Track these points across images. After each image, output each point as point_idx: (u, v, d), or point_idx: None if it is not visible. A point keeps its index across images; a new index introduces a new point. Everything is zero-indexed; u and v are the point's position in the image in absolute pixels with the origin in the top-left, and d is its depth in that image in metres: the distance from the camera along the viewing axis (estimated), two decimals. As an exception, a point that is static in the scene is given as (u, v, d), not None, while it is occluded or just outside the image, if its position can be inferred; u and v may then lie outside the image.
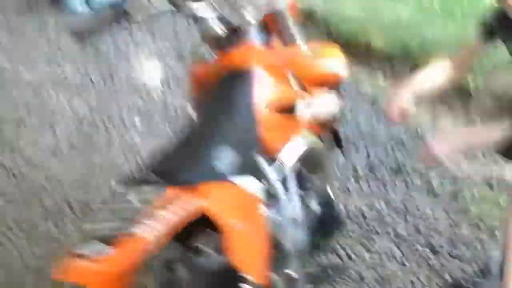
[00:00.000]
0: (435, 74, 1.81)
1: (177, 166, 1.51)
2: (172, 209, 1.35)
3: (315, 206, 2.14)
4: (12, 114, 3.60)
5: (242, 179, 1.61)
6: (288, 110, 1.90)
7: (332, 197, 2.42)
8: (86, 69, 4.06)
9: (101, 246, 1.26)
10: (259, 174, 1.80)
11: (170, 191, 1.42)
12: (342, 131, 2.36)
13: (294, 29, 2.00)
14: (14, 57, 4.27)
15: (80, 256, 1.25)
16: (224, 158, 1.57)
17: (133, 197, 1.42)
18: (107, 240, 1.27)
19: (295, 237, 1.92)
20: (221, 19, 1.85)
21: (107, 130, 3.43)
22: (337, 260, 2.47)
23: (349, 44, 3.65)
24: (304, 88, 1.96)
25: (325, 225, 2.37)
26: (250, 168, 1.71)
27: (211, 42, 1.96)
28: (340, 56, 2.06)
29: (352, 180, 2.93)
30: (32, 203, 2.87)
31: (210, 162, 1.54)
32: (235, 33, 1.88)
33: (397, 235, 2.60)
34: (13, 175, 3.10)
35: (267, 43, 2.02)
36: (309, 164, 2.09)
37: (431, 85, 1.82)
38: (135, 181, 1.47)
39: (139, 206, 1.38)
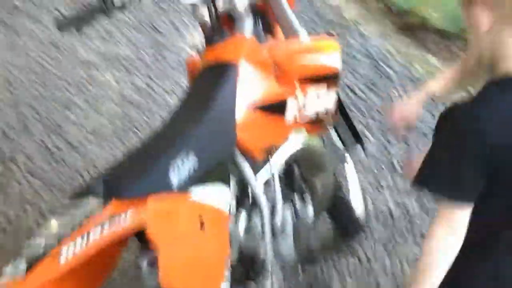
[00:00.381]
0: (442, 83, 1.63)
1: (128, 176, 1.41)
2: (107, 226, 1.28)
3: (309, 211, 1.96)
4: (62, 94, 3.64)
5: (204, 189, 1.50)
6: (276, 109, 1.75)
7: (348, 198, 2.24)
8: (140, 47, 4.04)
9: (21, 268, 1.23)
10: (235, 180, 1.68)
11: (115, 205, 1.34)
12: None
13: (292, 17, 1.83)
14: (71, 33, 4.30)
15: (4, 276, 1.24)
16: (183, 166, 1.45)
17: (74, 211, 1.36)
18: (32, 261, 1.23)
19: (280, 247, 1.78)
20: (209, 5, 1.71)
21: (149, 114, 3.41)
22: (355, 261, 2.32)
23: (405, 21, 3.39)
24: (297, 85, 1.79)
25: (338, 230, 2.23)
26: (220, 175, 1.59)
27: (204, 31, 1.85)
28: (337, 50, 1.85)
29: (387, 175, 2.71)
30: (66, 190, 2.90)
31: (164, 172, 1.42)
32: (225, 22, 1.76)
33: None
34: (54, 158, 3.14)
35: (266, 33, 1.87)
36: (306, 166, 1.93)
37: (440, 92, 1.64)
38: (82, 193, 1.40)
39: (77, 222, 1.32)
